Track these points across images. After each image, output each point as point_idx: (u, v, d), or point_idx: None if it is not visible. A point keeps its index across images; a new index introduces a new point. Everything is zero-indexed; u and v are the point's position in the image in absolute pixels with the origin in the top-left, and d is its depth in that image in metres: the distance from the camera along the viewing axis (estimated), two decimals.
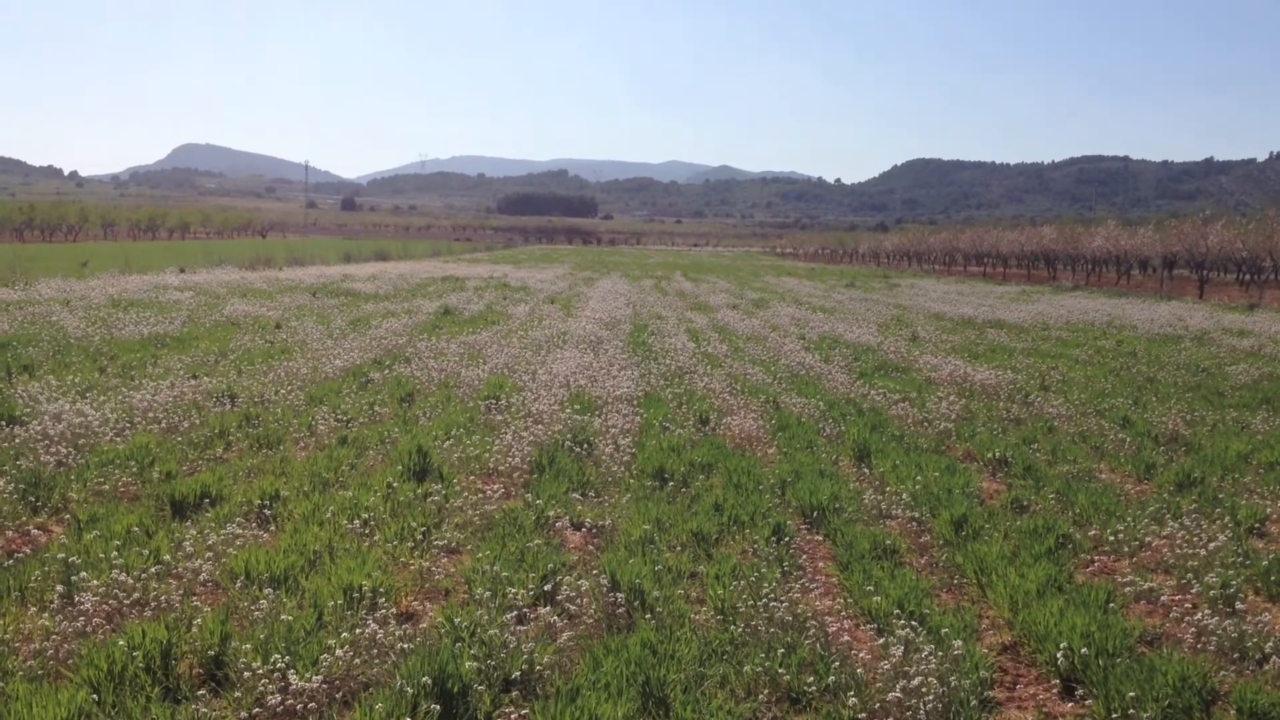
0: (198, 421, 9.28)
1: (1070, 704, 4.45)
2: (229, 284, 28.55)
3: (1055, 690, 4.54)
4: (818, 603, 5.43)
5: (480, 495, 7.09)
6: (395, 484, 7.27)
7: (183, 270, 33.98)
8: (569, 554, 6.10)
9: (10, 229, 73.04)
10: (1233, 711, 4.31)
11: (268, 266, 39.40)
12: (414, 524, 6.34)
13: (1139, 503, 7.53)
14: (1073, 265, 52.99)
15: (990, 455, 8.77)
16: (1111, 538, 6.55)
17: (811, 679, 4.38)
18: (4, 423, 8.59)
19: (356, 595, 5.11)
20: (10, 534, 6.15)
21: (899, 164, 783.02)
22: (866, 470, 8.45)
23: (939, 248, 72.99)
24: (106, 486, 7.03)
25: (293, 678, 4.14)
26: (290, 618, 4.77)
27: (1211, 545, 6.31)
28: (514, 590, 5.17)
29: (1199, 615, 5.24)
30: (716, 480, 7.83)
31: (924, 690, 4.20)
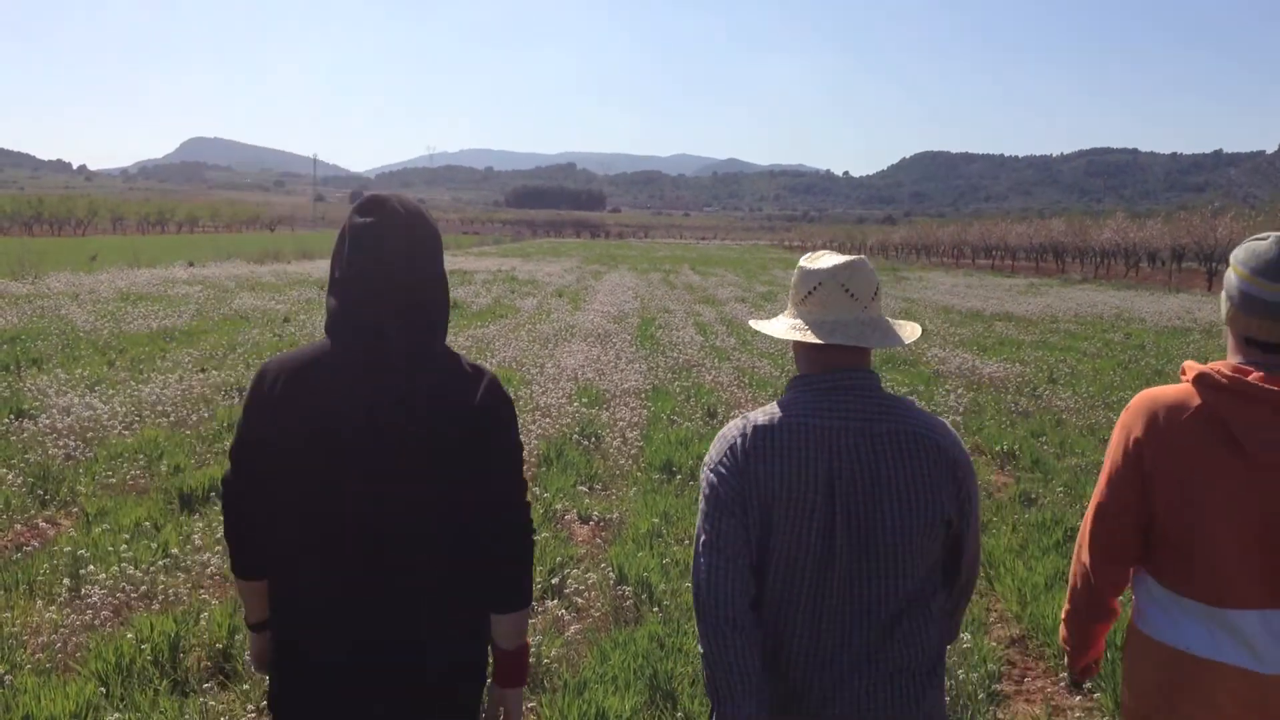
0: (206, 415, 9.30)
1: (1079, 697, 4.44)
2: (237, 278, 28.61)
3: (1063, 684, 4.53)
4: None
5: None
6: None
7: (191, 264, 34.06)
8: (576, 547, 6.11)
9: (19, 223, 73.25)
10: None
11: (276, 260, 39.49)
12: None
13: None
14: (1081, 258, 52.86)
15: (998, 448, 8.76)
16: None
17: None
18: (13, 416, 8.62)
19: None
20: (19, 527, 6.17)
21: (907, 157, 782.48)
22: None
23: (947, 241, 72.84)
24: (115, 480, 7.05)
25: None
26: None
27: None
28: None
29: None
30: None
31: None
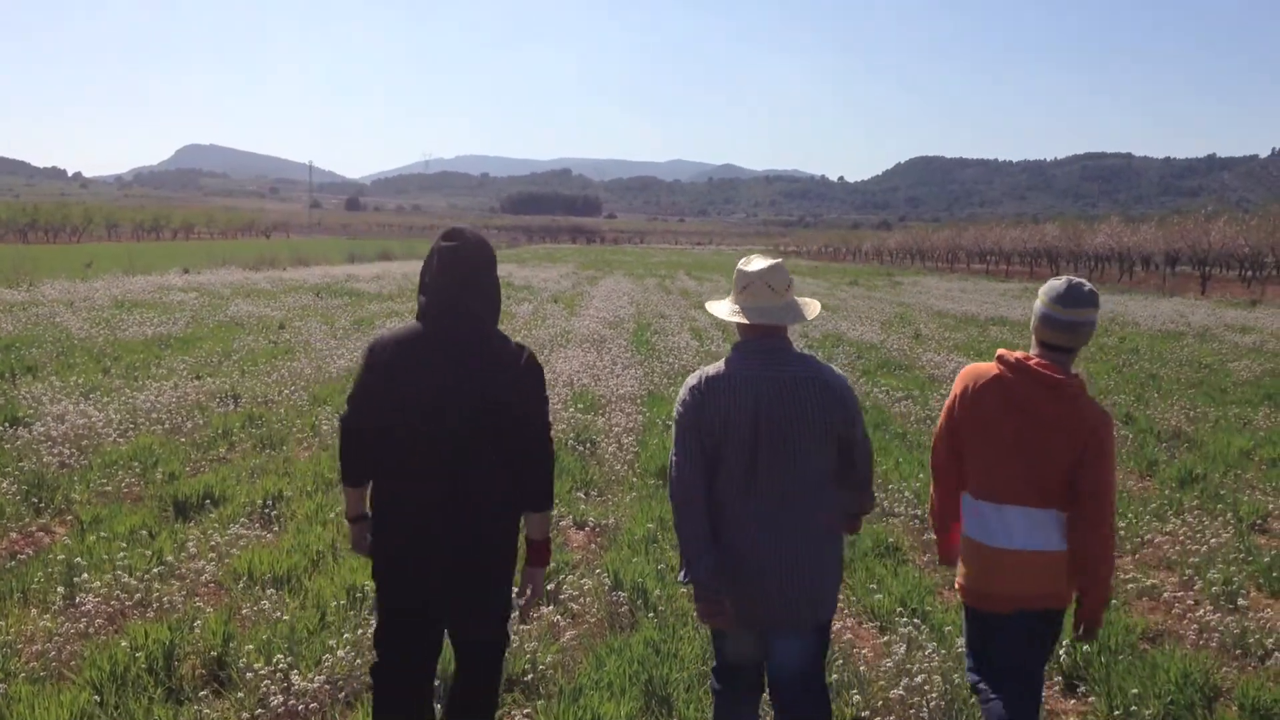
0: (201, 422, 9.29)
1: (1073, 701, 4.45)
2: (233, 284, 28.58)
3: (1057, 687, 4.54)
4: None
5: None
6: None
7: (186, 271, 34.00)
8: (572, 553, 6.11)
9: (14, 230, 73.02)
10: (1235, 708, 4.31)
11: (272, 267, 39.44)
12: None
13: (1141, 499, 7.53)
14: (1075, 262, 52.91)
15: None
16: None
17: None
18: (7, 424, 8.60)
19: (359, 595, 5.12)
20: (13, 535, 6.16)
21: (902, 162, 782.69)
22: None
23: (942, 245, 72.95)
24: (110, 487, 7.04)
25: (295, 678, 4.15)
26: (293, 618, 4.78)
27: (1214, 541, 6.32)
28: (517, 589, 5.16)
29: (1201, 612, 5.24)
30: None
31: (927, 687, 4.21)
